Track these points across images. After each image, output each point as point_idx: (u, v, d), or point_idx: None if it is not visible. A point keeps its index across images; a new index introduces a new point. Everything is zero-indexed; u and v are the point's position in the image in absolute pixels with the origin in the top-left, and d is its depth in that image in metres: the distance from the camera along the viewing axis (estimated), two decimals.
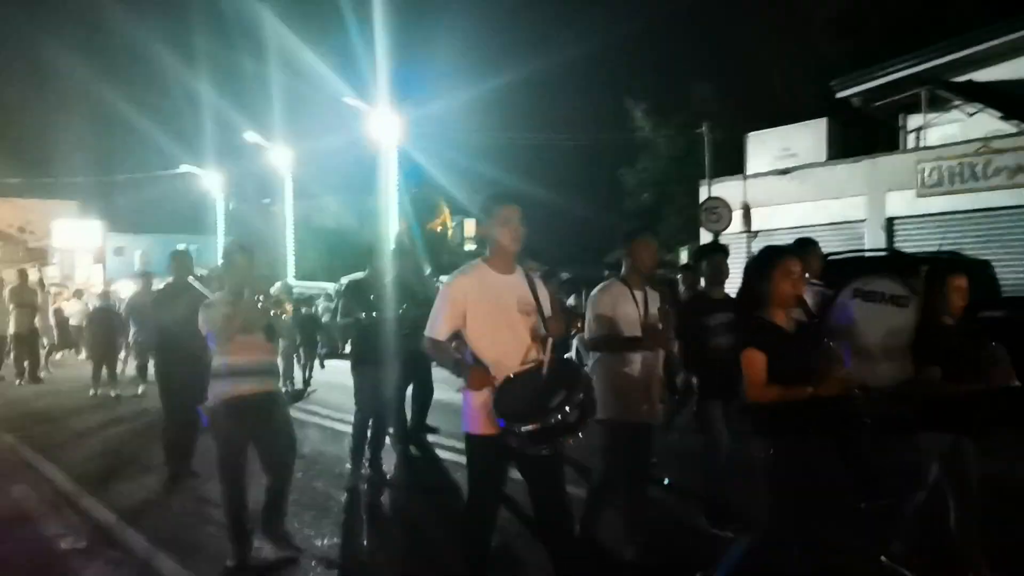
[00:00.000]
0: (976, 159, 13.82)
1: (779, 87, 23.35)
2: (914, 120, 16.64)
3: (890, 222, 15.26)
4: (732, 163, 19.34)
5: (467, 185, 25.38)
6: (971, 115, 15.28)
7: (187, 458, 6.72)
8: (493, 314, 3.69)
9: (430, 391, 7.98)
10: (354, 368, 6.73)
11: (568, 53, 28.96)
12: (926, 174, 14.57)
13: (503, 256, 3.79)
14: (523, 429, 3.44)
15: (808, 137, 17.68)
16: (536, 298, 3.83)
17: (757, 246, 13.53)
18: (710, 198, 17.56)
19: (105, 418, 10.16)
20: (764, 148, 18.42)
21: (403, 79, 27.91)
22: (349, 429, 6.95)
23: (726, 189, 17.94)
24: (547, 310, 3.86)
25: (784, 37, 23.50)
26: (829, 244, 13.95)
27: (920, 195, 14.69)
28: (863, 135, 17.69)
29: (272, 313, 4.70)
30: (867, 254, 12.16)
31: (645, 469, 4.88)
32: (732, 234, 16.63)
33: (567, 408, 3.42)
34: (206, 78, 32.41)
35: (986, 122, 14.79)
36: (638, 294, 4.55)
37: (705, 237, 17.33)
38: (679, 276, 9.34)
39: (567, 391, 3.49)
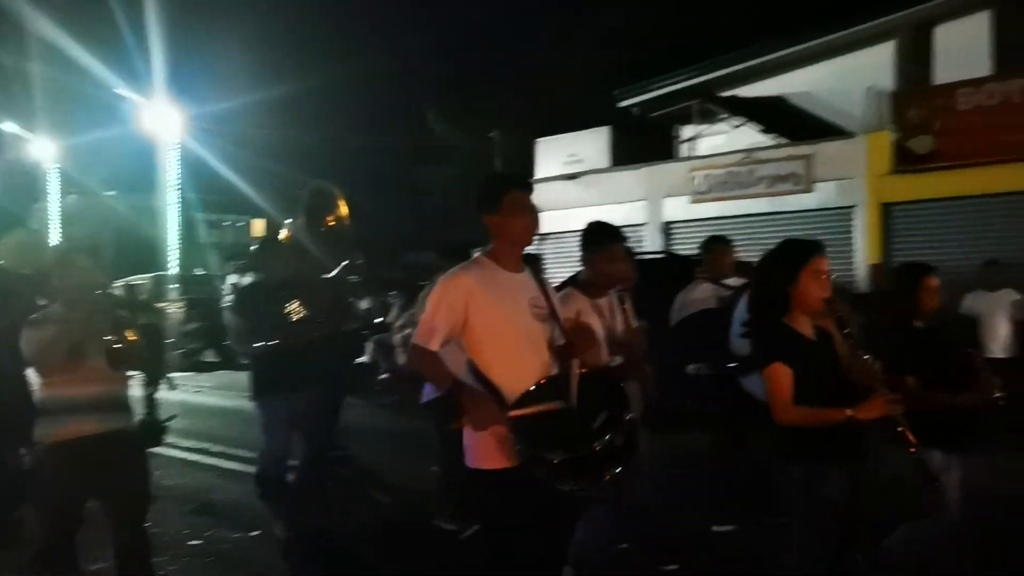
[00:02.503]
0: (740, 168, 14.95)
1: (566, 95, 24.28)
2: (687, 130, 17.82)
3: (667, 226, 16.20)
4: (523, 168, 19.85)
5: (258, 184, 24.52)
6: (736, 127, 16.57)
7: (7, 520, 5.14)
8: (503, 319, 3.03)
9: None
10: (259, 398, 5.35)
11: (366, 56, 28.57)
12: (697, 182, 15.61)
13: (512, 249, 3.17)
14: (554, 458, 2.74)
15: (593, 144, 18.46)
16: (550, 301, 3.21)
17: (547, 249, 13.98)
18: None
19: None
20: (552, 154, 19.06)
21: (189, 73, 26.56)
22: (249, 469, 5.85)
23: None
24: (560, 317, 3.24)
25: (569, 47, 24.49)
26: None
27: (693, 201, 15.68)
28: (643, 143, 18.73)
29: (119, 334, 3.67)
30: (647, 256, 12.90)
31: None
32: None
33: (613, 432, 2.76)
34: None
35: (750, 135, 16.07)
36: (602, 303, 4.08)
37: None
38: None
39: (611, 411, 2.85)
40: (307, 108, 26.94)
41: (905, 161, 12.86)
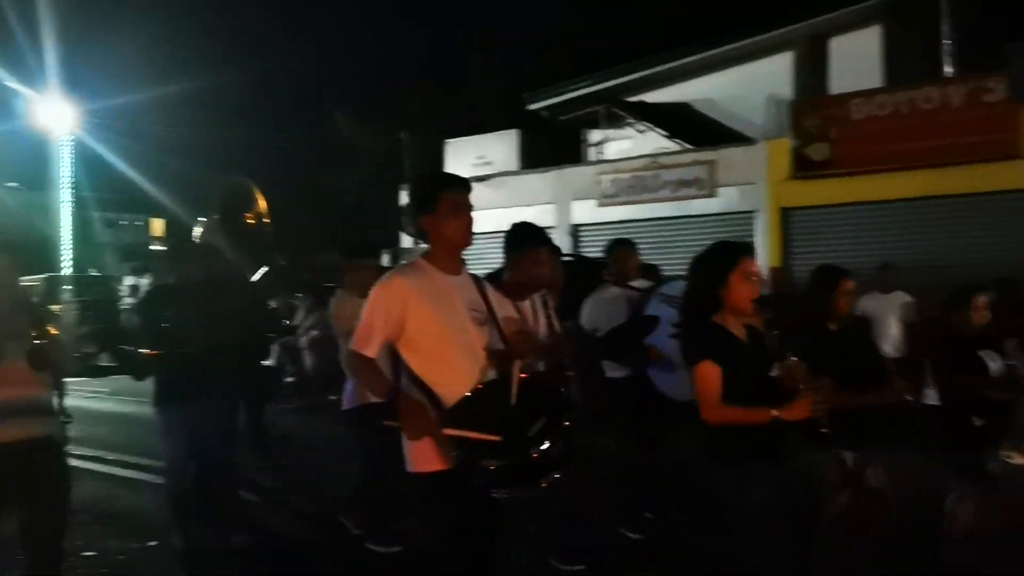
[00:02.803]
0: (646, 173, 15.20)
1: (475, 97, 24.29)
2: (595, 135, 18.05)
3: (576, 228, 16.35)
4: (432, 169, 19.76)
5: (158, 182, 23.74)
6: (642, 132, 16.86)
7: None
8: (441, 323, 2.95)
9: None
10: (160, 406, 5.10)
11: (273, 54, 28.00)
12: (605, 185, 15.80)
13: (450, 252, 3.08)
14: (491, 464, 2.70)
15: (502, 146, 18.53)
16: (489, 304, 3.16)
17: None
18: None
19: None
20: (462, 156, 19.03)
21: (84, 67, 25.53)
22: (146, 477, 5.73)
23: None
24: (500, 320, 3.18)
25: (478, 49, 24.51)
26: None
27: (600, 204, 15.87)
28: (552, 146, 18.88)
29: (41, 331, 3.48)
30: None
31: None
32: None
33: (551, 439, 2.71)
34: None
35: (656, 140, 16.37)
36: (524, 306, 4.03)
37: (407, 241, 17.57)
38: None
39: (549, 417, 2.78)
40: (211, 105, 26.22)
41: (803, 168, 13.30)
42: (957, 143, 11.80)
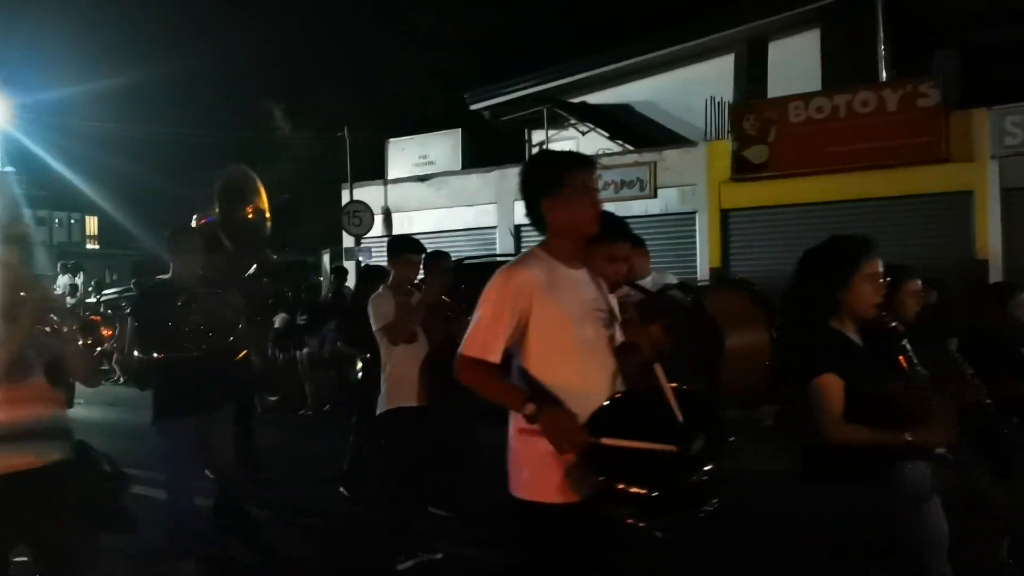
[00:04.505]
0: None
1: (414, 97, 24.13)
2: (538, 135, 18.02)
3: (518, 228, 16.29)
4: (372, 168, 19.54)
5: (94, 179, 23.13)
6: (584, 133, 16.89)
7: None
8: (568, 323, 2.55)
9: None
10: (162, 420, 4.61)
11: (208, 51, 27.40)
12: None
13: (573, 241, 2.65)
14: (639, 491, 2.19)
15: (444, 146, 18.42)
16: (608, 302, 2.75)
17: None
18: (352, 202, 17.59)
19: None
20: (404, 154, 18.86)
21: (17, 60, 24.73)
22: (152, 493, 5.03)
23: (367, 193, 18.07)
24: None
25: (415, 48, 24.36)
26: (464, 249, 14.72)
27: None
28: (494, 146, 18.80)
29: (67, 341, 3.01)
30: (498, 258, 12.91)
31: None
32: (373, 238, 16.78)
33: (714, 461, 2.23)
34: None
35: (597, 140, 16.41)
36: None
37: (348, 240, 17.34)
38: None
39: (710, 433, 2.32)
40: (147, 101, 25.60)
41: (742, 170, 13.45)
42: (891, 146, 12.06)
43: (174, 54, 27.08)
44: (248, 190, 5.68)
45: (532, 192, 2.67)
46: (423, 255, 5.25)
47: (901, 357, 2.77)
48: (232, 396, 5.09)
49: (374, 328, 4.89)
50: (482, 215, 16.77)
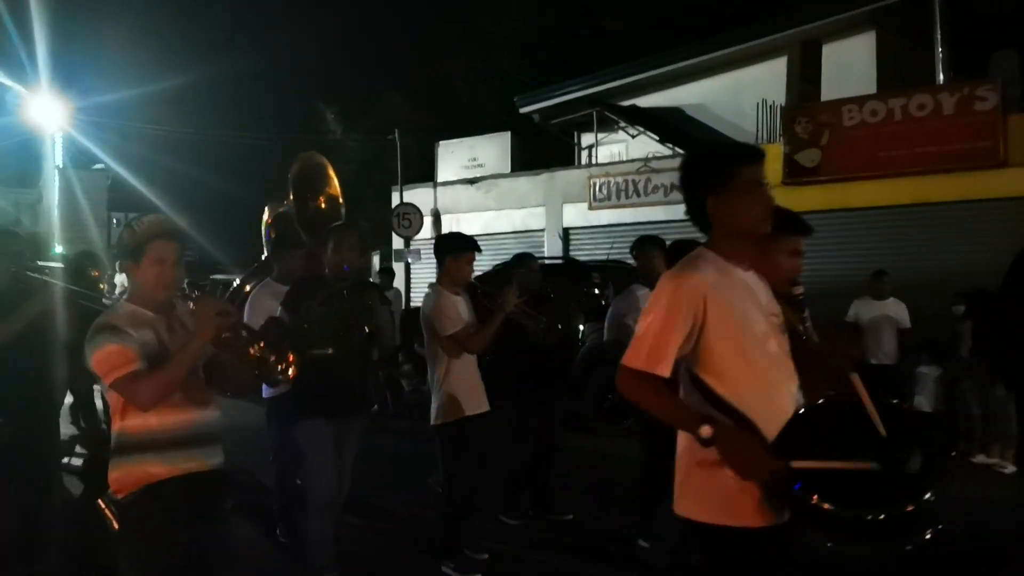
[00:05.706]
0: (638, 177, 15.19)
1: (465, 99, 24.27)
2: (587, 138, 18.04)
3: (566, 232, 16.33)
4: (422, 170, 19.73)
5: (149, 180, 23.68)
6: (633, 136, 16.86)
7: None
8: (745, 331, 2.32)
9: None
10: (303, 419, 4.38)
11: (262, 54, 27.91)
12: (596, 189, 15.77)
13: (743, 241, 2.42)
14: (861, 515, 1.99)
15: (494, 149, 18.57)
16: (777, 305, 2.51)
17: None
18: (402, 204, 17.78)
19: None
20: (453, 157, 19.04)
21: (76, 64, 25.44)
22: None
23: (417, 195, 18.25)
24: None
25: (468, 51, 24.49)
26: (512, 251, 14.69)
27: (592, 208, 15.86)
28: (543, 149, 18.86)
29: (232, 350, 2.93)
30: (546, 261, 12.96)
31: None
32: (423, 240, 16.96)
33: (935, 484, 2.03)
34: None
35: (647, 144, 16.37)
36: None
37: (397, 242, 17.53)
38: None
39: (927, 451, 2.10)
40: (202, 103, 26.14)
41: (793, 174, 13.28)
42: (947, 150, 11.83)
43: (228, 57, 27.57)
44: (318, 179, 5.51)
45: (695, 190, 2.50)
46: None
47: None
48: (369, 399, 4.92)
49: (443, 334, 4.53)
50: (530, 218, 16.82)
